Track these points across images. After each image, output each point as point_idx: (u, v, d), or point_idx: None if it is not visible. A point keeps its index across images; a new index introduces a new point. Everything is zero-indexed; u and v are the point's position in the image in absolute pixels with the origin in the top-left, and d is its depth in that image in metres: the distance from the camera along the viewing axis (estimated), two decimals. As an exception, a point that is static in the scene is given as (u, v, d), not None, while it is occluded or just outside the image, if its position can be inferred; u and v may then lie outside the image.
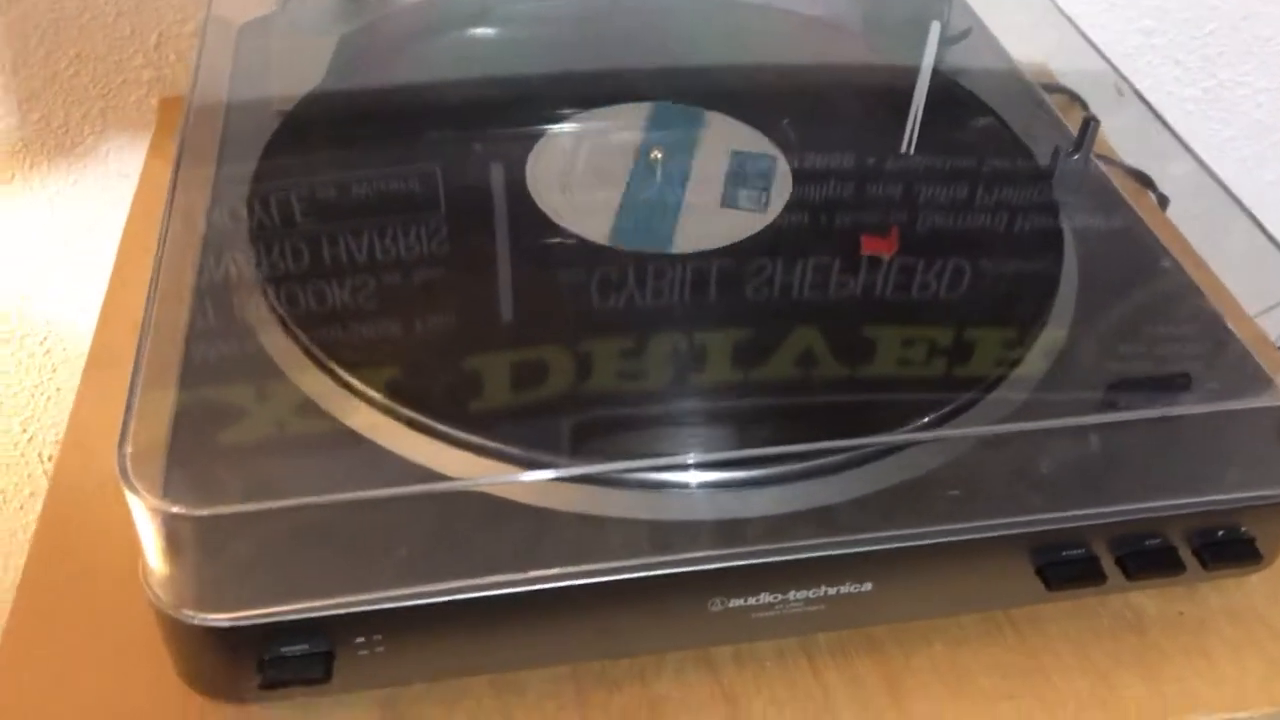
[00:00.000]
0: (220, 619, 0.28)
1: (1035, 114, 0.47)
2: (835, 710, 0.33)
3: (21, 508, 0.71)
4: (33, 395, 0.65)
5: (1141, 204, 0.44)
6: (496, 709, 0.32)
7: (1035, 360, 0.34)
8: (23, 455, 0.68)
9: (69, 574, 0.35)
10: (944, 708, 0.33)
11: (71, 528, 0.36)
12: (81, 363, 0.42)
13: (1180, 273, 0.38)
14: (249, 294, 0.35)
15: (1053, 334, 0.35)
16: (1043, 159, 0.42)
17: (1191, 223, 0.46)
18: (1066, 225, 0.39)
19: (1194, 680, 0.34)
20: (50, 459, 0.69)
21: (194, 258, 0.36)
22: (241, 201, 0.38)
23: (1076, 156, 0.41)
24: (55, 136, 0.56)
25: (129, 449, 0.27)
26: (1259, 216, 0.38)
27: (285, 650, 0.29)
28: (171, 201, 0.37)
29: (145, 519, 0.27)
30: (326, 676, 0.29)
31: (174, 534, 0.27)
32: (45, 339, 0.62)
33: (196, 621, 0.28)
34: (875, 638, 0.35)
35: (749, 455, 0.31)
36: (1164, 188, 0.49)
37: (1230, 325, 0.36)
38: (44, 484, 0.71)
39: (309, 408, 0.32)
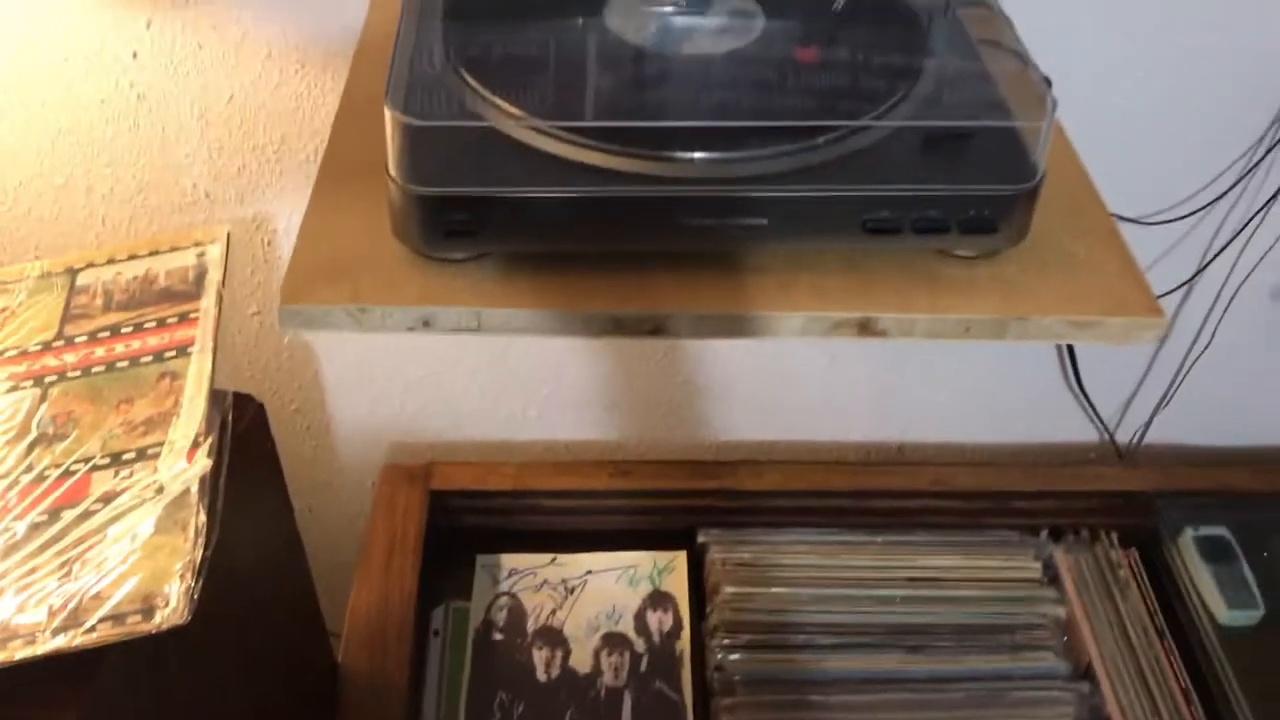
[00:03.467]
0: (426, 190, 0.56)
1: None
2: (746, 295, 0.59)
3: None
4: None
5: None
6: (557, 281, 0.59)
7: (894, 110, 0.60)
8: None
9: (351, 165, 0.63)
10: (808, 302, 0.59)
11: (350, 142, 0.64)
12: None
13: (985, 74, 0.63)
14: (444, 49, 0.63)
15: (912, 98, 0.60)
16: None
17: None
18: (932, 51, 0.64)
19: (958, 302, 0.59)
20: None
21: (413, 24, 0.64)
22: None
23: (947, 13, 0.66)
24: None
25: (391, 92, 0.55)
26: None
27: (456, 216, 0.56)
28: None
29: (393, 127, 0.55)
30: (476, 233, 0.57)
31: (405, 138, 0.55)
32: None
33: (416, 192, 0.56)
34: (770, 268, 0.60)
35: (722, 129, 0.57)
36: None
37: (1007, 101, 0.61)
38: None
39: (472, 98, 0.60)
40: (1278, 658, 0.97)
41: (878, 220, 0.58)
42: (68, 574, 0.56)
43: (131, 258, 0.73)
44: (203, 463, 0.59)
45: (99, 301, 0.70)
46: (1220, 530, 1.04)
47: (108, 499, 0.59)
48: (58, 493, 0.59)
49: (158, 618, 0.54)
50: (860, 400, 1.15)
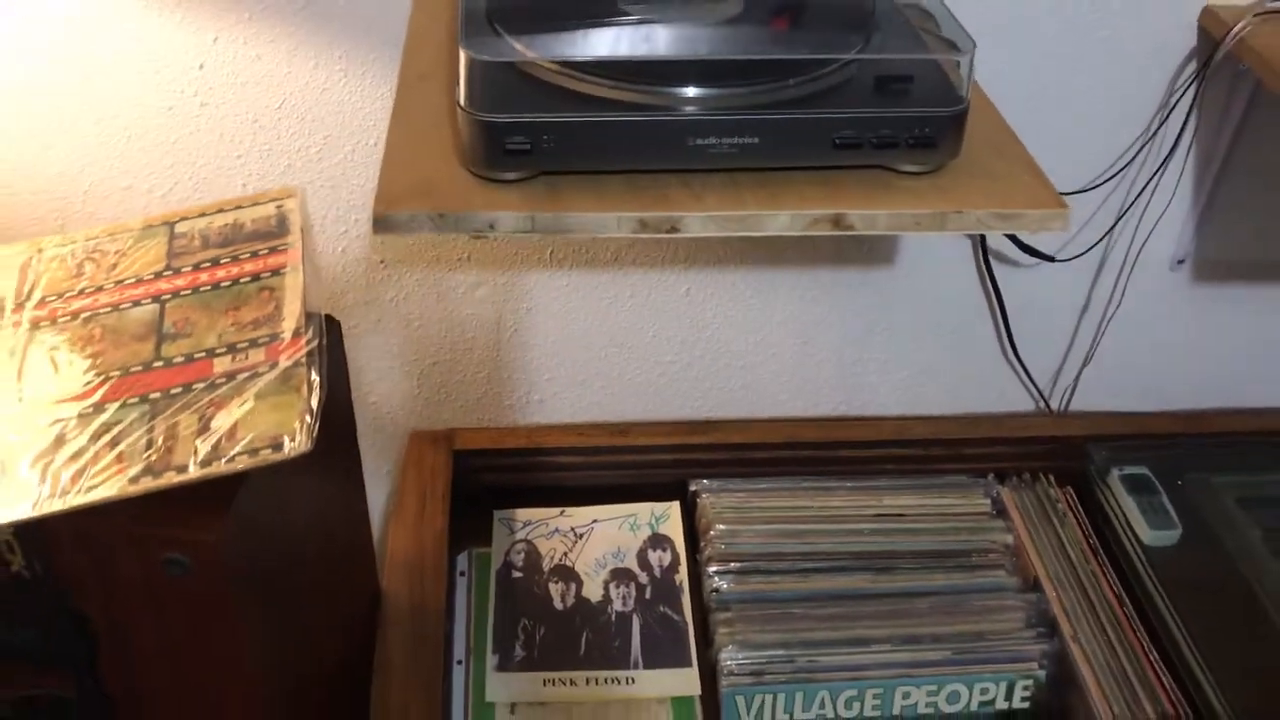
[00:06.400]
0: (491, 117, 0.71)
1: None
2: (744, 201, 0.74)
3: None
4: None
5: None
6: (594, 193, 0.74)
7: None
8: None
9: (413, 122, 0.78)
10: (792, 203, 0.75)
11: (410, 107, 0.79)
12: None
13: (919, 37, 0.80)
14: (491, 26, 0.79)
15: (867, 50, 0.77)
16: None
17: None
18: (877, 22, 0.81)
19: (909, 203, 0.75)
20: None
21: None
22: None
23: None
24: None
25: (464, 40, 0.71)
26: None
27: (514, 138, 0.72)
28: None
29: (467, 65, 0.70)
30: (531, 151, 0.72)
31: (476, 73, 0.70)
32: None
33: (481, 118, 0.71)
34: (766, 182, 0.76)
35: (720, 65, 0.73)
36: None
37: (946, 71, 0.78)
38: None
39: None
40: (1194, 569, 1.12)
41: (844, 137, 0.74)
42: (205, 426, 0.69)
43: (220, 211, 0.87)
44: (308, 342, 0.73)
45: (197, 243, 0.84)
46: (1142, 469, 1.20)
47: (230, 375, 0.72)
48: (187, 373, 0.73)
49: (286, 448, 0.67)
50: (827, 378, 1.30)
